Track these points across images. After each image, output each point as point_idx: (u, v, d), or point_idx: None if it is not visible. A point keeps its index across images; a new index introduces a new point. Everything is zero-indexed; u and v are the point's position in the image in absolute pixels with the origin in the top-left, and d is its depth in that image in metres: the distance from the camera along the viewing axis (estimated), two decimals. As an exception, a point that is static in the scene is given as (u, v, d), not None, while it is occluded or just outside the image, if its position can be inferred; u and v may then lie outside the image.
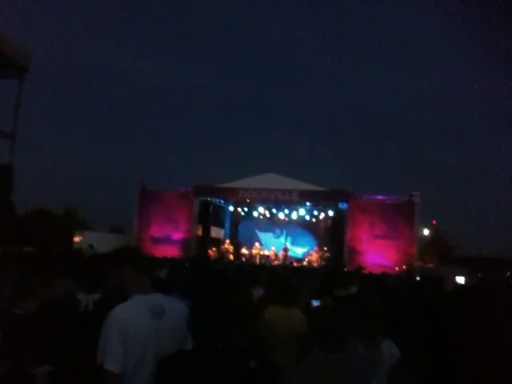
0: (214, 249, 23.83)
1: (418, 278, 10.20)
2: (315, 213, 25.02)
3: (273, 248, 24.83)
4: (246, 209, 25.83)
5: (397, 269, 19.29)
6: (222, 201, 24.96)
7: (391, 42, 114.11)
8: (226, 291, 2.54)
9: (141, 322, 2.32)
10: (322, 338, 2.15)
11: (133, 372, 2.28)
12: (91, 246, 16.70)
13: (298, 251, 26.42)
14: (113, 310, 2.33)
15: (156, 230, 22.55)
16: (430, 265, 23.72)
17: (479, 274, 15.50)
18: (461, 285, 11.80)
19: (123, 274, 2.52)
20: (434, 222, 32.91)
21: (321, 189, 22.40)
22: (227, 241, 25.45)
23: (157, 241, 22.22)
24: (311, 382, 2.03)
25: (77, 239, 22.98)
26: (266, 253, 24.44)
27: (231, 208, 25.95)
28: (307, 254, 25.08)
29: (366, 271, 15.81)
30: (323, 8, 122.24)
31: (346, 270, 17.28)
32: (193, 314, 2.21)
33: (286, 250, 24.36)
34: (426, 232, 30.32)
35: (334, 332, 2.18)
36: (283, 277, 4.96)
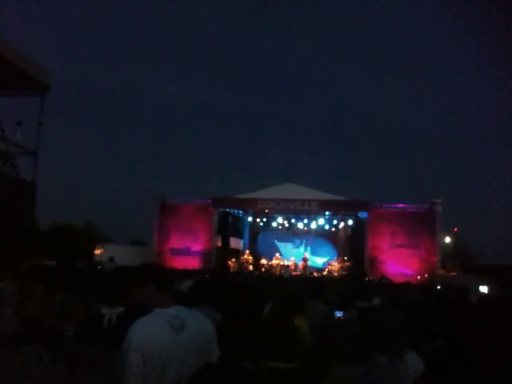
0: (233, 260, 23.83)
1: (438, 287, 10.04)
2: (335, 222, 24.89)
3: (292, 258, 24.73)
4: (264, 219, 25.84)
5: (419, 278, 19.03)
6: (241, 212, 25.02)
7: (407, 53, 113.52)
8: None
9: (159, 336, 2.30)
10: (346, 350, 2.13)
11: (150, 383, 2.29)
12: (112, 259, 16.85)
13: (318, 261, 26.26)
14: (132, 325, 2.34)
15: (176, 242, 22.69)
16: (453, 273, 23.33)
17: (504, 283, 15.17)
18: (485, 295, 11.58)
19: (146, 291, 2.53)
20: (456, 229, 32.46)
21: (340, 198, 22.30)
22: (247, 251, 25.44)
23: (177, 253, 22.35)
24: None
25: (97, 252, 23.20)
26: (286, 263, 24.35)
27: (250, 219, 25.97)
28: (327, 263, 24.91)
29: (388, 280, 15.63)
30: (324, 15, 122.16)
31: (367, 279, 17.12)
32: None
33: (305, 260, 24.24)
34: (448, 240, 29.90)
35: (358, 345, 2.16)
36: (286, 286, 4.95)
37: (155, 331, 2.32)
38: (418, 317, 4.27)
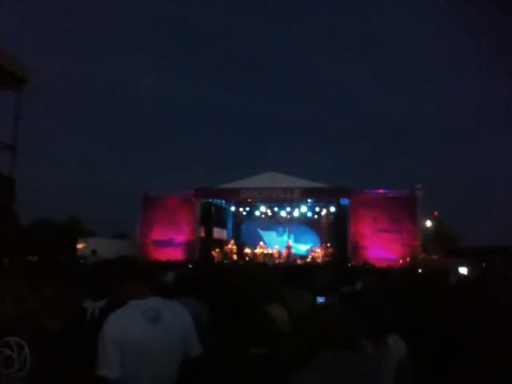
0: (217, 250, 23.83)
1: (420, 271, 10.20)
2: (317, 209, 25.03)
3: (276, 246, 24.82)
4: (247, 209, 25.90)
5: (401, 262, 19.29)
6: (224, 202, 24.99)
7: (392, 44, 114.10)
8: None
9: (135, 327, 2.32)
10: (334, 336, 2.14)
11: (133, 377, 2.29)
12: (94, 252, 16.72)
13: (301, 248, 26.42)
14: (107, 318, 2.35)
15: (159, 234, 22.61)
16: (434, 256, 23.71)
17: (483, 264, 15.49)
18: (464, 276, 11.81)
19: (122, 285, 2.54)
20: (437, 213, 32.89)
21: (322, 185, 22.40)
22: (231, 241, 25.45)
23: (160, 244, 22.29)
24: (324, 382, 2.03)
25: (80, 246, 23.00)
26: (270, 251, 24.44)
27: (233, 208, 25.97)
28: (311, 250, 25.07)
29: (370, 266, 15.80)
30: (324, 15, 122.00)
31: (350, 265, 17.30)
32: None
33: (288, 247, 24.37)
34: (429, 224, 30.30)
35: (345, 330, 2.17)
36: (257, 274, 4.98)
37: (129, 323, 2.33)
38: (400, 300, 4.33)
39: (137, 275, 2.60)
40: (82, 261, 11.98)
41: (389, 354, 2.76)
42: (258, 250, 24.35)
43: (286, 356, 2.49)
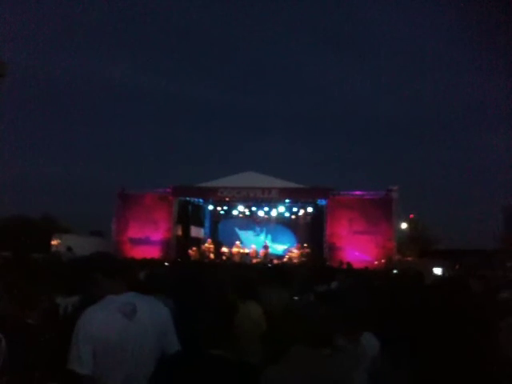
0: (194, 248, 23.73)
1: (395, 272, 10.34)
2: (294, 210, 25.13)
3: (253, 246, 24.85)
4: (225, 208, 25.83)
5: (376, 263, 19.50)
6: (202, 200, 24.89)
7: (368, 41, 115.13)
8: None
9: (110, 324, 2.29)
10: (310, 332, 2.15)
11: (108, 372, 2.27)
12: (69, 249, 16.47)
13: (278, 248, 26.50)
14: (81, 314, 2.33)
15: (135, 232, 22.39)
16: (409, 258, 24.06)
17: (457, 266, 15.79)
18: (439, 276, 12.03)
19: (97, 281, 2.50)
20: (412, 215, 33.39)
21: (300, 186, 22.50)
22: (208, 240, 25.38)
23: (136, 242, 22.08)
24: (297, 379, 2.03)
25: (54, 243, 22.63)
26: (247, 251, 24.46)
27: (211, 207, 25.90)
28: (287, 250, 25.18)
29: (347, 265, 15.94)
30: (301, 9, 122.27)
31: (326, 265, 17.41)
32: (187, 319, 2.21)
33: (266, 247, 24.42)
34: (405, 226, 30.74)
35: (320, 327, 2.18)
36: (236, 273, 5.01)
37: (104, 318, 2.30)
38: (375, 299, 4.37)
39: (112, 271, 2.57)
40: (55, 257, 11.78)
41: (363, 351, 2.80)
42: (234, 250, 24.34)
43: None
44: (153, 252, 20.41)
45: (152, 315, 2.43)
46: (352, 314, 2.84)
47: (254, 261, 22.33)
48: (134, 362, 2.31)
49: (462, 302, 2.02)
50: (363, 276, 7.39)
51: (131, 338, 2.32)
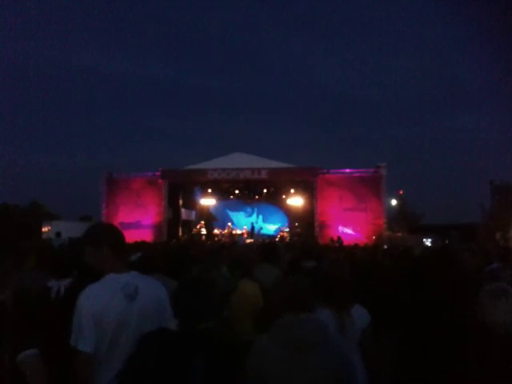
0: (185, 231, 23.78)
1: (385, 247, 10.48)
2: (285, 189, 25.19)
3: (245, 227, 24.97)
4: (216, 189, 25.81)
5: (366, 240, 19.69)
6: (192, 183, 24.85)
7: (356, 23, 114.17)
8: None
9: (111, 303, 2.27)
10: (290, 301, 2.20)
11: (107, 353, 2.27)
12: (58, 234, 16.44)
13: (270, 228, 26.66)
14: (83, 291, 2.30)
15: (125, 216, 22.31)
16: (399, 234, 24.32)
17: (445, 239, 16.01)
18: (427, 247, 12.22)
19: (100, 254, 2.44)
20: (401, 192, 33.64)
21: (289, 166, 22.51)
22: (200, 223, 25.43)
23: (127, 226, 21.99)
24: (282, 344, 2.08)
25: (45, 229, 22.54)
26: (239, 232, 24.56)
27: (201, 189, 25.87)
28: (279, 230, 25.33)
29: (337, 242, 16.08)
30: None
31: (316, 243, 17.54)
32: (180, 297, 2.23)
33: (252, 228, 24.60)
34: (394, 202, 31.00)
35: (300, 294, 2.23)
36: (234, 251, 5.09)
37: (107, 298, 2.28)
38: (365, 273, 4.45)
39: (120, 246, 2.53)
40: (46, 243, 11.75)
41: (350, 321, 2.87)
42: (225, 231, 24.43)
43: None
44: (144, 236, 20.36)
45: (152, 296, 2.44)
46: (334, 286, 2.89)
47: (247, 241, 22.44)
48: (133, 342, 2.32)
49: (444, 270, 2.08)
50: (353, 252, 7.47)
51: (132, 318, 2.32)
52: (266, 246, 5.51)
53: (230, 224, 25.41)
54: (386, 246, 12.95)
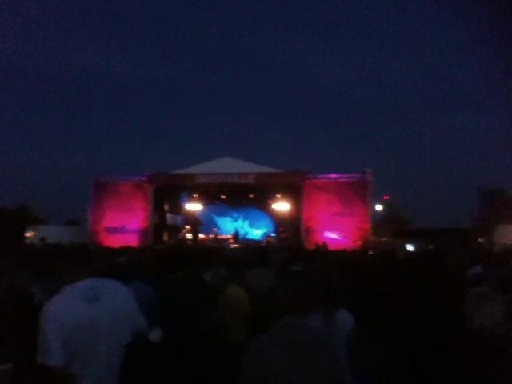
0: (171, 236, 23.68)
1: (371, 252, 10.52)
2: (271, 194, 25.22)
3: (231, 232, 24.96)
4: (202, 194, 25.74)
5: (353, 244, 19.77)
6: (178, 187, 24.76)
7: (341, 22, 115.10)
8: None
9: (73, 311, 2.27)
10: (290, 304, 2.21)
11: (84, 361, 2.26)
12: (43, 239, 16.25)
13: (256, 233, 26.66)
14: (44, 305, 2.31)
15: (111, 221, 22.15)
16: (384, 239, 24.47)
17: (430, 244, 16.15)
18: (411, 252, 12.32)
19: (60, 269, 2.51)
20: (387, 197, 33.89)
21: (276, 170, 22.55)
22: (185, 227, 25.34)
23: (113, 231, 21.87)
24: (282, 345, 2.09)
25: (29, 234, 22.26)
26: (225, 237, 24.54)
27: (187, 194, 25.79)
28: (265, 235, 25.34)
29: (323, 247, 16.11)
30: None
31: (302, 247, 17.58)
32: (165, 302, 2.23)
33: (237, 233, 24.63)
34: (380, 207, 31.20)
35: (299, 299, 2.24)
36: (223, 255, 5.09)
37: (67, 307, 2.28)
38: (352, 277, 4.47)
39: (72, 258, 2.58)
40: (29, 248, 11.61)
41: (336, 325, 2.88)
42: (211, 236, 24.39)
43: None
44: (129, 240, 20.22)
45: (115, 297, 2.45)
46: (321, 290, 2.91)
47: (232, 246, 22.40)
48: (107, 346, 2.31)
49: (427, 273, 2.10)
50: (340, 255, 7.50)
51: (98, 321, 2.31)
52: (259, 250, 5.53)
53: (215, 229, 25.37)
54: (371, 252, 13.02)
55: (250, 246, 19.47)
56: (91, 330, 2.28)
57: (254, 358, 2.11)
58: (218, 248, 10.00)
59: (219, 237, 24.49)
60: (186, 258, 4.75)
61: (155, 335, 2.47)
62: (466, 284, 2.90)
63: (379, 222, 30.05)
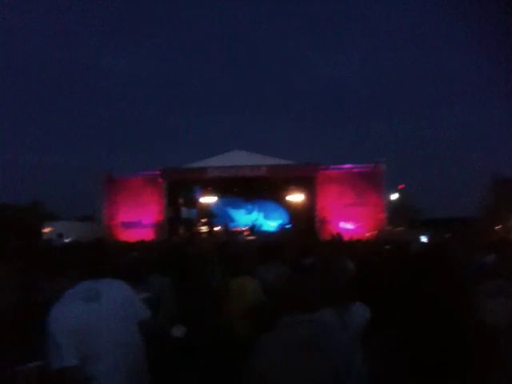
0: (186, 230, 23.75)
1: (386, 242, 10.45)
2: (285, 186, 25.11)
3: (246, 224, 24.95)
4: (215, 187, 25.74)
5: (368, 235, 19.65)
6: (191, 181, 24.80)
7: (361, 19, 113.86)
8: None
9: (73, 312, 2.29)
10: (298, 301, 2.19)
11: (96, 362, 2.27)
12: (60, 236, 16.45)
13: (271, 225, 26.62)
14: (51, 307, 2.32)
15: (126, 216, 22.35)
16: (400, 228, 24.27)
17: (446, 233, 15.99)
18: (425, 243, 12.21)
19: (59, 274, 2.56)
20: (402, 186, 33.53)
21: (288, 162, 22.48)
22: (200, 221, 25.39)
23: (128, 226, 22.06)
24: (286, 343, 2.07)
25: (46, 230, 22.52)
26: (240, 229, 24.52)
27: (201, 188, 25.81)
28: (280, 227, 25.30)
29: (337, 239, 16.05)
30: None
31: (316, 239, 17.52)
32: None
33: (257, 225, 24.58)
34: (395, 197, 30.90)
35: (309, 295, 2.22)
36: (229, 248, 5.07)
37: (70, 310, 2.30)
38: (365, 269, 4.43)
39: (87, 255, 2.61)
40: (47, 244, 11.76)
41: (351, 319, 2.85)
42: (226, 229, 24.37)
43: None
44: (145, 235, 20.41)
45: (115, 294, 2.47)
46: (333, 283, 2.88)
47: (248, 238, 22.40)
48: (112, 344, 2.33)
49: (440, 267, 2.06)
50: (353, 247, 7.46)
51: (101, 321, 2.33)
52: (269, 244, 5.48)
53: (231, 222, 25.39)
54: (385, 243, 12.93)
55: (265, 239, 19.49)
56: (94, 330, 2.30)
57: (256, 356, 2.09)
58: (227, 242, 9.97)
59: (234, 229, 24.48)
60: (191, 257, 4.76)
61: (178, 331, 2.49)
62: (479, 276, 2.85)
63: (395, 211, 29.79)
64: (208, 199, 26.84)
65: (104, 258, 2.74)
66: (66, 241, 13.60)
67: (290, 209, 26.23)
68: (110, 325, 2.35)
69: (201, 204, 27.00)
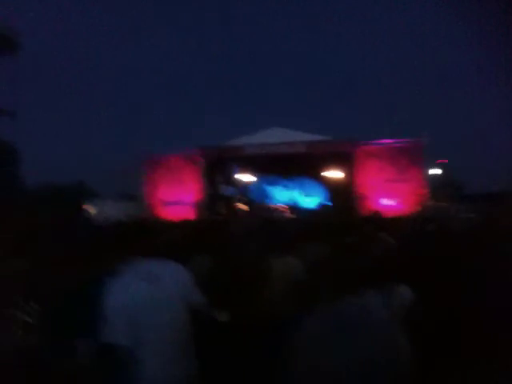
0: (226, 207, 23.94)
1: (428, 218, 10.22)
2: (324, 162, 24.80)
3: (285, 202, 24.91)
4: (253, 165, 25.69)
5: (410, 210, 19.28)
6: (229, 159, 24.84)
7: None
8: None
9: (134, 293, 2.30)
10: (337, 281, 2.17)
11: (141, 342, 2.29)
12: (102, 215, 16.89)
13: (310, 202, 26.48)
14: (105, 284, 2.34)
15: (166, 194, 22.73)
16: (443, 203, 23.68)
17: (490, 210, 15.51)
18: (469, 219, 11.87)
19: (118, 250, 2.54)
20: (445, 160, 32.62)
21: (327, 138, 22.17)
22: (239, 199, 25.50)
23: (168, 204, 22.45)
24: (327, 325, 2.06)
25: (91, 209, 23.22)
26: (279, 207, 24.49)
27: (239, 165, 25.84)
28: (320, 204, 25.12)
29: (378, 216, 15.81)
30: None
31: (356, 217, 17.33)
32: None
33: (297, 202, 24.46)
34: (437, 171, 30.11)
35: (347, 276, 2.20)
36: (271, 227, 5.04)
37: (129, 289, 2.32)
38: (408, 248, 4.34)
39: (129, 239, 2.59)
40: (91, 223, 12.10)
41: (394, 301, 2.80)
42: (266, 206, 24.40)
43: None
44: (185, 213, 20.74)
45: (176, 278, 2.46)
46: (375, 264, 2.83)
47: (289, 216, 22.39)
48: (165, 328, 2.34)
49: (487, 244, 1.98)
50: (395, 225, 7.33)
51: (160, 304, 2.34)
52: (312, 223, 5.45)
53: (269, 199, 25.37)
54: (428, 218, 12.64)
55: (307, 218, 19.40)
56: (149, 313, 2.31)
57: (298, 339, 2.07)
58: (271, 220, 9.97)
59: (274, 207, 24.46)
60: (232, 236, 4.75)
61: (224, 316, 2.51)
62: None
63: (437, 186, 29.07)
64: (246, 177, 26.86)
65: (149, 236, 2.74)
66: (110, 220, 13.96)
67: (328, 185, 25.95)
68: (165, 309, 2.36)
69: (239, 182, 27.07)
